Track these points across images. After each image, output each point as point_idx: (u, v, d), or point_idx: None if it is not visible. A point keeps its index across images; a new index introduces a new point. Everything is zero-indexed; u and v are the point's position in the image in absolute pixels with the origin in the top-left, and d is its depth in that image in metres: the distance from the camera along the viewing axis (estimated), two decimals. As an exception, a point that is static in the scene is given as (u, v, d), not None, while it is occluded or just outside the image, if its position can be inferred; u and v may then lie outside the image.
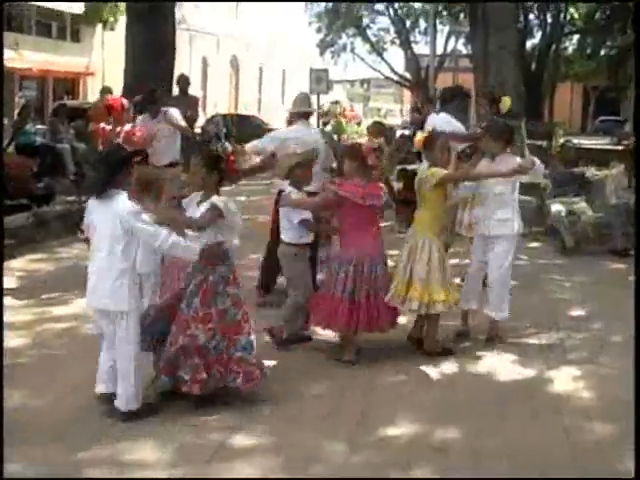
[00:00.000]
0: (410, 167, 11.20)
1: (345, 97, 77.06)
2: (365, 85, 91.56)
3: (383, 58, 51.73)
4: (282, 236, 7.03)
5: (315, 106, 8.47)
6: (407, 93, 62.26)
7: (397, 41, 50.65)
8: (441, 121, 9.01)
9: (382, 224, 7.18)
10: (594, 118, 57.76)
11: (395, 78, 52.84)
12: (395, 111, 78.09)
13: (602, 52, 39.98)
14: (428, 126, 8.71)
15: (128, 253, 5.30)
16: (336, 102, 50.73)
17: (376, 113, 65.78)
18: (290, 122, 8.95)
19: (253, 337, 5.64)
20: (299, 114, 8.53)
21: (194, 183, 5.86)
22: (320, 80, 25.44)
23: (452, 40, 46.26)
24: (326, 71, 26.93)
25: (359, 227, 6.57)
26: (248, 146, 8.12)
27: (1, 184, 10.50)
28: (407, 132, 19.24)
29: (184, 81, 14.45)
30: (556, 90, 41.76)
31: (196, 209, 5.59)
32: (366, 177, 6.58)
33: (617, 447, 5.13)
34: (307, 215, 6.84)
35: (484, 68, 18.74)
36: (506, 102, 9.76)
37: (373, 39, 51.41)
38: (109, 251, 5.28)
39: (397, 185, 10.73)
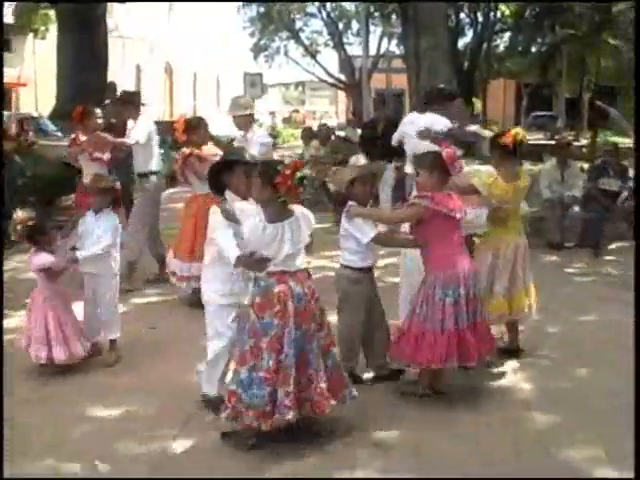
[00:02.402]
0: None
1: (281, 100, 77.25)
2: (300, 88, 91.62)
3: (317, 61, 51.93)
4: (341, 259, 6.16)
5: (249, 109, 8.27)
6: (342, 95, 62.46)
7: (330, 43, 50.88)
8: (432, 120, 7.83)
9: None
10: (527, 114, 58.44)
11: (330, 80, 53.02)
12: (330, 113, 78.30)
13: (533, 49, 40.46)
14: (412, 126, 8.00)
15: (210, 249, 5.47)
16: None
17: (311, 116, 65.88)
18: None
19: (247, 373, 4.94)
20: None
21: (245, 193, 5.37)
22: (254, 84, 25.43)
23: (385, 41, 46.65)
24: (260, 75, 26.92)
25: (451, 242, 5.79)
26: None
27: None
28: (342, 133, 19.38)
29: (112, 90, 14.34)
30: (489, 87, 42.27)
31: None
32: (446, 188, 5.80)
33: (558, 437, 5.22)
34: (376, 230, 5.91)
35: (416, 68, 18.90)
36: None
37: (306, 42, 51.60)
38: None
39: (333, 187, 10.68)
